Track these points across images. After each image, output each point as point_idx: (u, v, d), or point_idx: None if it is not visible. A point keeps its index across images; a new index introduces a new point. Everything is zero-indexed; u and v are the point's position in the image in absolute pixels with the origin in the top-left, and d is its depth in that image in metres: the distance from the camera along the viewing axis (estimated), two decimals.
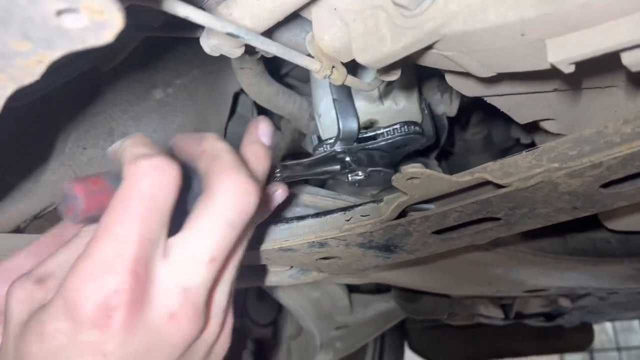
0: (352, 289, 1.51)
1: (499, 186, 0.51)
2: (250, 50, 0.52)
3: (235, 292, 0.49)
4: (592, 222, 0.89)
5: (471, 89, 0.58)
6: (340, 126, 0.71)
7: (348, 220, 0.62)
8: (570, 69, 0.38)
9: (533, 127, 0.74)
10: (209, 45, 0.50)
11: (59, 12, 0.26)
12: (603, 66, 0.38)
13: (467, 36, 0.40)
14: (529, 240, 0.98)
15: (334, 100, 0.72)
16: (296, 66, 0.73)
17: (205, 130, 0.65)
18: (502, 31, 0.39)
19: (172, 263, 0.41)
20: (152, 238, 0.40)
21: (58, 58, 0.29)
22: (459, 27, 0.40)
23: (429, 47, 0.44)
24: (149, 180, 0.40)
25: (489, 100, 0.63)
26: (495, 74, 0.47)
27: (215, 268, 0.42)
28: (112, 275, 0.38)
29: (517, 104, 0.64)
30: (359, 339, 1.60)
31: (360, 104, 0.74)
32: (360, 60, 0.46)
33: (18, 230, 0.79)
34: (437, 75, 0.84)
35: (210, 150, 0.45)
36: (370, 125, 0.75)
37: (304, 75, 0.95)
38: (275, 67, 0.89)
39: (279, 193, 0.56)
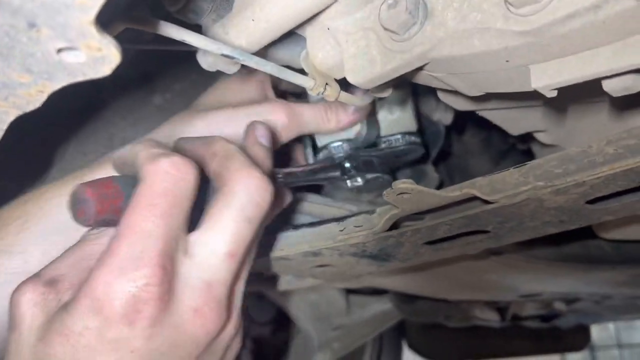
0: (349, 290, 1.52)
1: (488, 202, 0.53)
2: None
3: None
4: (586, 229, 0.90)
5: (462, 105, 0.59)
6: (364, 130, 0.71)
7: (342, 231, 0.63)
8: (553, 94, 0.40)
9: (528, 137, 0.76)
10: (206, 62, 0.51)
11: (60, 50, 0.27)
12: (589, 87, 0.40)
13: (454, 60, 0.42)
14: (522, 247, 0.99)
15: None
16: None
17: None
18: (487, 57, 0.40)
19: (194, 259, 0.42)
20: (175, 234, 0.41)
21: (59, 89, 0.30)
22: (446, 52, 0.41)
23: (420, 69, 0.46)
24: (170, 178, 0.41)
25: (480, 113, 0.64)
26: (483, 94, 0.48)
27: (235, 263, 0.43)
28: (142, 269, 0.38)
29: (508, 118, 0.66)
30: (357, 340, 1.60)
31: None
32: (351, 80, 0.47)
33: None
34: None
35: (222, 151, 0.47)
36: None
37: None
38: None
39: (287, 196, 0.58)
